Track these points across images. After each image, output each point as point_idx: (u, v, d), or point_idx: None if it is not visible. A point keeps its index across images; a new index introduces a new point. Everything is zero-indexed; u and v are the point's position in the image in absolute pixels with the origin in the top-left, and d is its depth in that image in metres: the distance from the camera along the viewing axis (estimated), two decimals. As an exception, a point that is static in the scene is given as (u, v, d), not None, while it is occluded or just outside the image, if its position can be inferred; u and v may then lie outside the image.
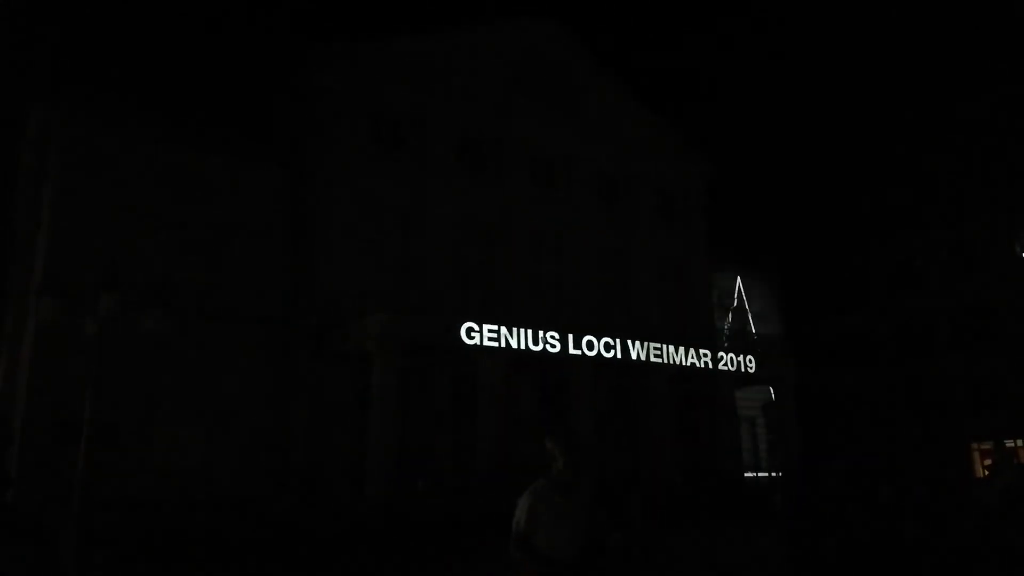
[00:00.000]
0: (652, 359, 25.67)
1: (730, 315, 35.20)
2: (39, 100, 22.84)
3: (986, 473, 36.20)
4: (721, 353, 28.17)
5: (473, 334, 22.52)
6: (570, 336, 23.97)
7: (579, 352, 23.98)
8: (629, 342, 25.41)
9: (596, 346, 24.44)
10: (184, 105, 27.77)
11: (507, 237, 27.83)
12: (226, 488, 21.05)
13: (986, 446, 36.79)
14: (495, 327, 23.11)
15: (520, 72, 29.92)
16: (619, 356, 25.04)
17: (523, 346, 23.42)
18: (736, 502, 23.50)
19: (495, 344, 22.60)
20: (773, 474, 28.48)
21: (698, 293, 32.84)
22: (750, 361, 29.01)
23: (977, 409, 37.01)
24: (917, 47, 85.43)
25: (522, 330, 23.71)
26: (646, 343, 25.85)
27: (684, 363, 26.51)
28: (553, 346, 23.62)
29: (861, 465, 38.24)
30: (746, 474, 29.72)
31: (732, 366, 27.96)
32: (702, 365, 27.29)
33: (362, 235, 24.82)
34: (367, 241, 24.94)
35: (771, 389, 30.39)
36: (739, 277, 36.25)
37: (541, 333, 23.88)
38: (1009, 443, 36.03)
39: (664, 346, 26.18)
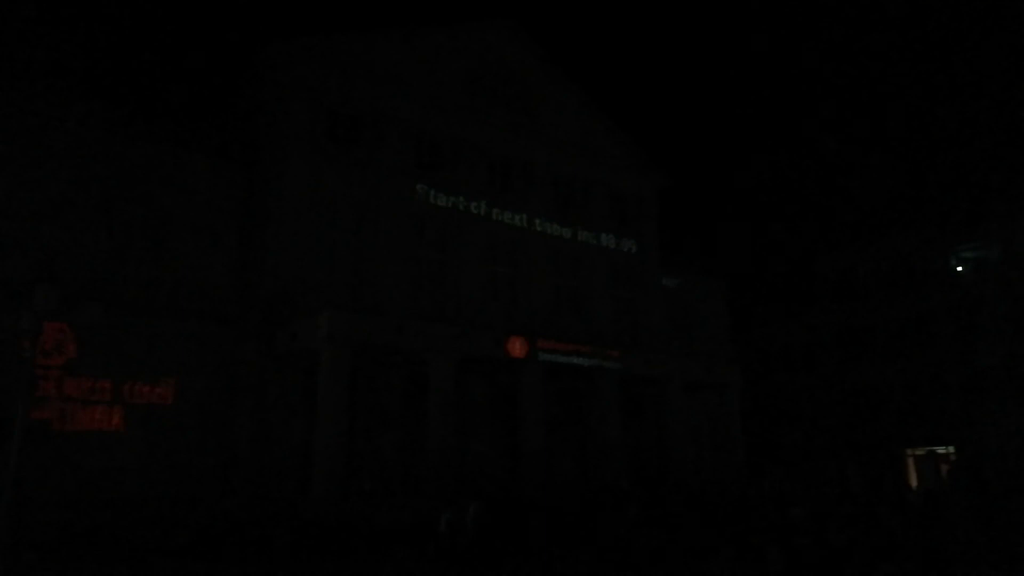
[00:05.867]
0: (603, 364, 25.96)
1: (678, 321, 35.73)
2: (-26, 83, 21.94)
3: (919, 478, 37.69)
4: (669, 358, 28.66)
5: (425, 335, 22.46)
6: (523, 339, 24.09)
7: (531, 356, 24.10)
8: (581, 346, 25.66)
9: (548, 350, 24.62)
10: (131, 93, 27.02)
11: (462, 238, 27.80)
12: (167, 488, 20.51)
13: (920, 452, 38.20)
14: (448, 328, 23.08)
15: (479, 74, 29.99)
16: (571, 360, 25.26)
17: (475, 348, 23.46)
18: (682, 509, 23.87)
19: (447, 346, 22.58)
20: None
21: (649, 299, 33.32)
22: (698, 367, 29.60)
23: (912, 416, 38.39)
24: (869, 60, 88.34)
25: (475, 332, 23.73)
26: (597, 348, 26.14)
27: (634, 368, 26.87)
28: (505, 349, 23.70)
29: (799, 470, 39.29)
30: (692, 479, 30.16)
31: (680, 371, 28.47)
32: (651, 370, 27.72)
33: (314, 233, 24.47)
34: (319, 239, 24.61)
35: (718, 394, 30.98)
36: (688, 284, 36.88)
37: (493, 335, 23.95)
38: (941, 450, 37.47)
39: (615, 351, 26.52)
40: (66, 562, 13.68)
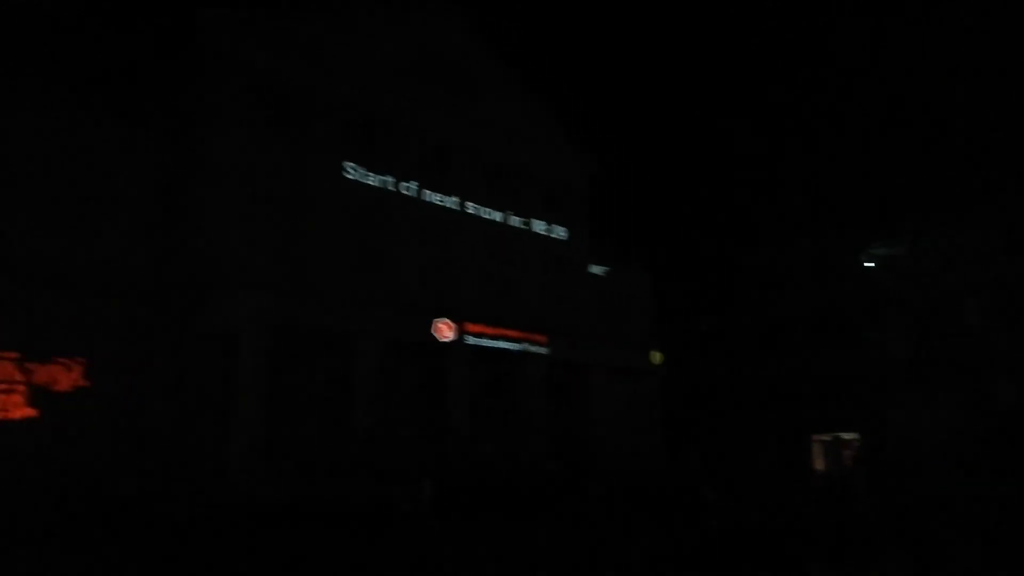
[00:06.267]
0: (530, 348, 26.25)
1: (605, 308, 36.39)
2: None
3: (824, 463, 39.80)
4: (595, 345, 29.22)
5: (352, 317, 22.19)
6: (452, 323, 24.09)
7: (460, 339, 24.14)
8: (509, 331, 25.86)
9: (477, 334, 24.72)
10: (47, 58, 25.45)
11: (393, 219, 27.50)
12: (77, 471, 19.61)
13: (826, 438, 40.28)
14: (376, 310, 22.87)
15: (414, 55, 29.60)
16: (499, 345, 25.43)
17: (404, 331, 23.34)
18: (603, 490, 24.48)
19: (375, 327, 22.38)
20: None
21: (577, 286, 33.82)
22: (622, 353, 30.30)
23: (820, 404, 40.39)
24: (797, 63, 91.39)
25: (404, 314, 23.60)
26: (526, 332, 26.40)
27: (560, 353, 27.28)
28: (433, 332, 23.65)
29: (716, 454, 40.79)
30: (614, 462, 30.90)
31: (605, 358, 29.09)
32: (577, 356, 28.21)
33: (239, 209, 23.66)
34: (244, 216, 23.80)
35: (640, 380, 31.79)
36: (615, 272, 37.56)
37: (422, 318, 23.86)
38: (846, 436, 39.61)
39: (542, 336, 26.85)
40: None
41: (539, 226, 32.52)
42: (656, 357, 31.28)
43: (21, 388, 19.98)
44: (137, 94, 26.01)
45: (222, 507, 18.07)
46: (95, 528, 15.57)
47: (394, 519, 17.40)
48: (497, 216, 30.99)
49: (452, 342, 23.91)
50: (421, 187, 28.44)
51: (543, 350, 26.64)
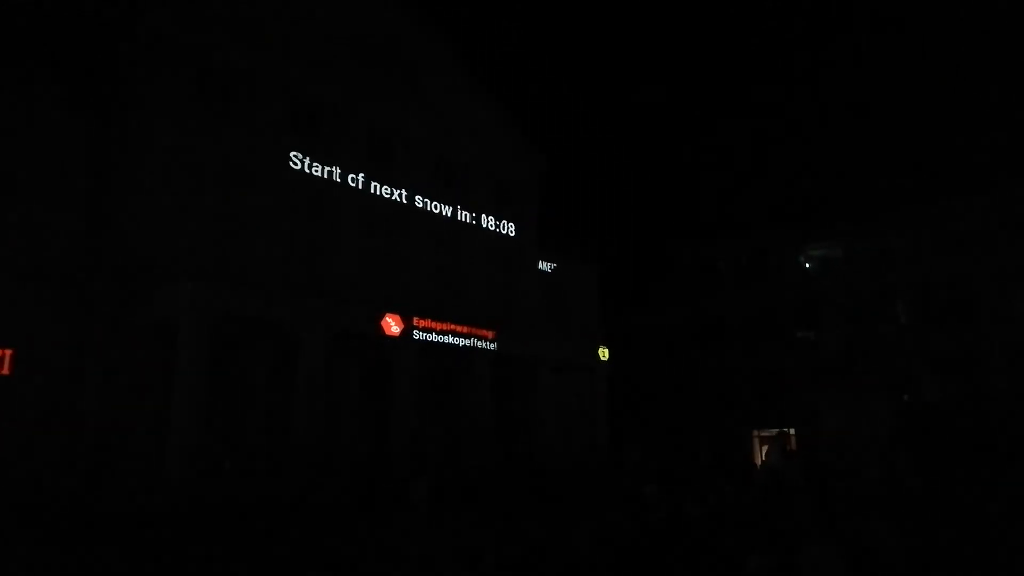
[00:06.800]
0: (478, 344, 26.21)
1: (552, 304, 36.61)
2: None
3: (763, 457, 40.87)
4: (542, 340, 29.36)
5: (296, 308, 21.78)
6: (398, 317, 23.88)
7: (406, 334, 23.95)
8: (457, 326, 25.75)
9: (424, 329, 24.55)
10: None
11: (339, 210, 27.06)
12: (2, 467, 18.80)
13: (766, 433, 41.40)
14: (320, 302, 22.50)
15: (364, 43, 29.16)
16: (446, 340, 25.30)
17: (349, 324, 23.03)
18: (541, 488, 24.66)
19: (319, 320, 22.02)
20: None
21: (525, 281, 33.90)
22: (569, 349, 30.53)
23: (760, 400, 41.49)
24: (746, 60, 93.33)
25: (349, 307, 23.28)
26: (473, 328, 26.33)
27: (507, 349, 27.32)
28: (379, 326, 23.41)
29: (657, 449, 41.60)
30: (559, 457, 31.14)
31: (552, 353, 29.26)
32: (524, 351, 28.30)
33: (178, 196, 22.92)
34: (183, 203, 23.05)
35: (586, 376, 32.07)
36: (563, 269, 37.82)
37: (368, 311, 23.58)
38: (784, 431, 40.78)
39: (490, 332, 26.82)
40: None
41: (489, 221, 32.47)
42: (603, 353, 31.62)
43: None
44: (70, 73, 24.94)
45: (158, 503, 17.59)
46: (20, 526, 14.95)
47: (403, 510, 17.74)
48: (447, 210, 30.82)
49: (399, 336, 23.70)
50: (368, 179, 28.08)
51: (491, 346, 26.63)
